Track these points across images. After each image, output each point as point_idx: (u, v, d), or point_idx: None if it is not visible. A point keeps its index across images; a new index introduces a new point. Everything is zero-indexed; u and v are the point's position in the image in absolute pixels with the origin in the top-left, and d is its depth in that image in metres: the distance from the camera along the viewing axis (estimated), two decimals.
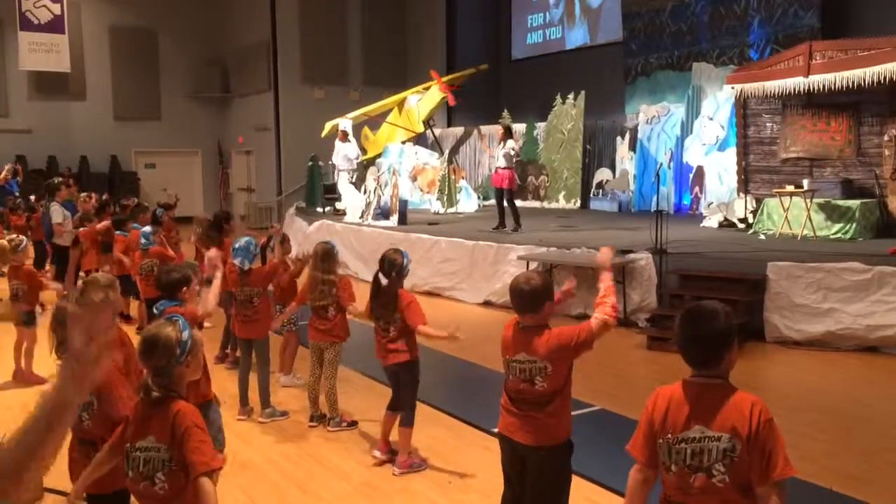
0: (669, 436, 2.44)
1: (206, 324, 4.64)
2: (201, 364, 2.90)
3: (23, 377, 6.99)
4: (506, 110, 18.37)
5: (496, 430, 3.51)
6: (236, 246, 6.03)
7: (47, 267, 12.05)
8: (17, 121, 21.20)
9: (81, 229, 10.14)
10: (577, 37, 18.79)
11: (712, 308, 2.50)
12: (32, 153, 21.12)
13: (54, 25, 20.24)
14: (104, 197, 12.85)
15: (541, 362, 3.21)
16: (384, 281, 4.85)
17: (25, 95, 21.45)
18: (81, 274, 9.66)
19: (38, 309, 7.24)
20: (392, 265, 4.83)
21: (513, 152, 11.53)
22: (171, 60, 23.31)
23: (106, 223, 10.19)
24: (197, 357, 2.82)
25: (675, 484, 2.43)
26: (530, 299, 3.25)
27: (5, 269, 7.40)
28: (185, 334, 2.75)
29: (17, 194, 14.82)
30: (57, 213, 11.36)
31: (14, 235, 7.72)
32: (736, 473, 2.35)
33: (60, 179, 13.46)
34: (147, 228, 8.71)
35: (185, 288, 4.10)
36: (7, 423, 3.01)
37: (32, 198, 14.13)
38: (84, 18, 21.93)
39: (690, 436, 2.40)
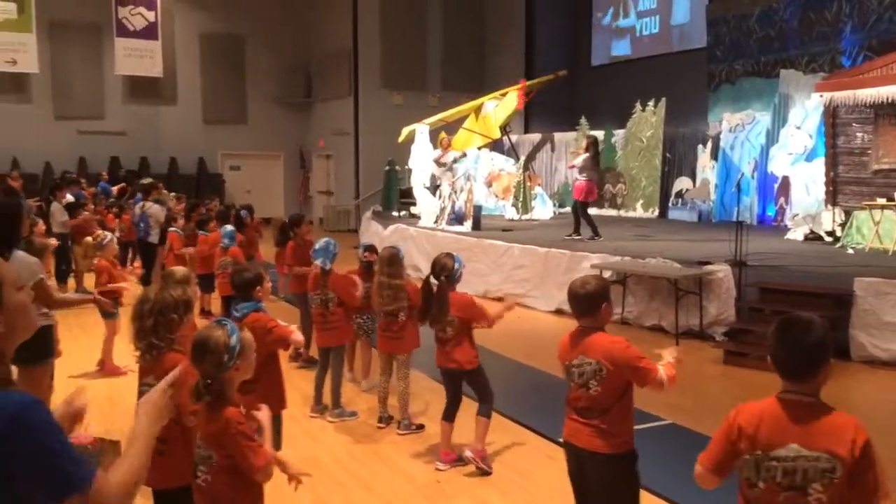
0: (759, 452, 2.37)
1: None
2: (253, 365, 2.91)
3: (104, 368, 7.32)
4: (583, 117, 18.18)
5: (562, 438, 3.49)
6: (316, 247, 6.13)
7: (136, 264, 12.58)
8: (112, 123, 22.21)
9: (170, 231, 10.48)
10: (657, 43, 18.47)
11: (808, 318, 2.44)
12: (126, 154, 22.10)
13: (148, 32, 21.12)
14: (179, 197, 13.31)
15: (595, 364, 3.21)
16: (434, 284, 4.85)
17: (120, 99, 22.43)
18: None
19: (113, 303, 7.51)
20: (442, 269, 4.84)
21: (579, 163, 11.34)
22: (258, 66, 24.02)
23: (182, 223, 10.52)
24: (248, 359, 2.84)
25: (763, 500, 2.37)
26: (586, 302, 3.30)
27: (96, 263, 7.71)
28: (234, 338, 2.77)
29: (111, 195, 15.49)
30: (159, 211, 11.73)
31: (100, 232, 8.08)
32: (834, 494, 2.29)
33: (152, 180, 14.03)
34: (229, 228, 8.97)
35: (258, 287, 4.20)
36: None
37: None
38: (176, 26, 22.82)
39: (783, 454, 2.33)
